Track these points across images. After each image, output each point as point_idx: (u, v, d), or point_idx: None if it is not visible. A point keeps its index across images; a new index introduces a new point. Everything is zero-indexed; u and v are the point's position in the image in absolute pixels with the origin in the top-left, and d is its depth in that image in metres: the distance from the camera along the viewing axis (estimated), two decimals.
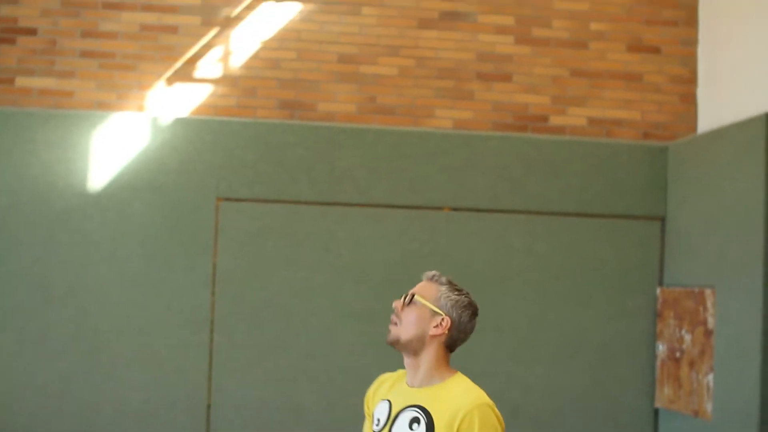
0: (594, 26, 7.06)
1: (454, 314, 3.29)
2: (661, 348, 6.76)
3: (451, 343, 3.33)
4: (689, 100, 7.09)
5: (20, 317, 6.35)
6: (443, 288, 3.32)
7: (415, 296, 3.30)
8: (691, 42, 7.09)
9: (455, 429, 3.17)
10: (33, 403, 6.34)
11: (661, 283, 6.85)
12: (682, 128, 7.06)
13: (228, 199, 6.53)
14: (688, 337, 6.45)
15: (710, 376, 6.19)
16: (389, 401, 3.38)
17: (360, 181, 6.64)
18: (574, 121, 7.00)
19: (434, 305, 3.28)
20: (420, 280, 3.38)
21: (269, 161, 6.58)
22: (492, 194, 6.76)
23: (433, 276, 3.36)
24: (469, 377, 3.30)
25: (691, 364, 6.39)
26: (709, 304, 6.24)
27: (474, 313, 3.35)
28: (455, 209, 6.74)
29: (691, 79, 7.08)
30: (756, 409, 5.81)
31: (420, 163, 6.71)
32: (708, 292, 6.25)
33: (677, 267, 6.73)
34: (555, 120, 6.98)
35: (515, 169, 6.80)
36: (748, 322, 5.92)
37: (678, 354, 6.54)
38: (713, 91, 6.92)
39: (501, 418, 3.23)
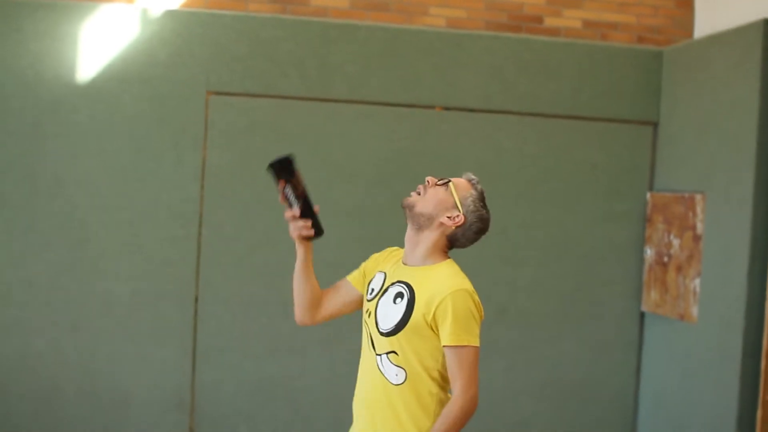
0: None
1: (470, 218, 3.43)
2: (649, 252, 6.77)
3: (453, 241, 3.47)
4: (686, 4, 7.03)
5: (7, 210, 6.31)
6: (474, 193, 3.46)
7: (450, 182, 3.45)
8: None
9: (432, 310, 3.32)
10: (21, 294, 6.33)
11: (651, 188, 6.85)
12: (677, 33, 7.00)
13: (218, 93, 6.46)
14: (676, 242, 6.46)
15: (697, 281, 6.22)
16: (385, 274, 3.50)
17: (351, 77, 6.58)
18: (569, 23, 6.93)
19: (460, 200, 3.42)
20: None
21: (260, 56, 6.50)
22: (484, 94, 6.71)
23: (473, 180, 3.50)
24: None
25: (679, 269, 6.41)
26: (698, 209, 6.24)
27: (483, 230, 3.50)
28: (447, 108, 6.69)
29: None
30: (741, 314, 5.86)
31: (412, 61, 6.64)
32: (698, 197, 6.24)
33: (668, 172, 6.72)
34: (550, 21, 6.92)
35: (508, 69, 6.74)
36: (737, 228, 5.93)
37: (666, 258, 6.56)
38: None
39: (480, 305, 3.36)
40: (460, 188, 3.45)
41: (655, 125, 6.86)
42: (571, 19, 6.93)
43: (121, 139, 6.40)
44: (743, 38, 6.02)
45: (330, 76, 6.56)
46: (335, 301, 3.64)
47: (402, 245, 3.59)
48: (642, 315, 6.88)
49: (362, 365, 3.50)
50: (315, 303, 3.62)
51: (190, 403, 6.46)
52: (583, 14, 6.95)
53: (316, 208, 3.54)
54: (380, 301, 3.42)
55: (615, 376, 6.89)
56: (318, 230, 3.51)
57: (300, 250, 3.58)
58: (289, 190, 3.48)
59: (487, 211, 3.48)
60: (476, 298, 3.35)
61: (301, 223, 3.47)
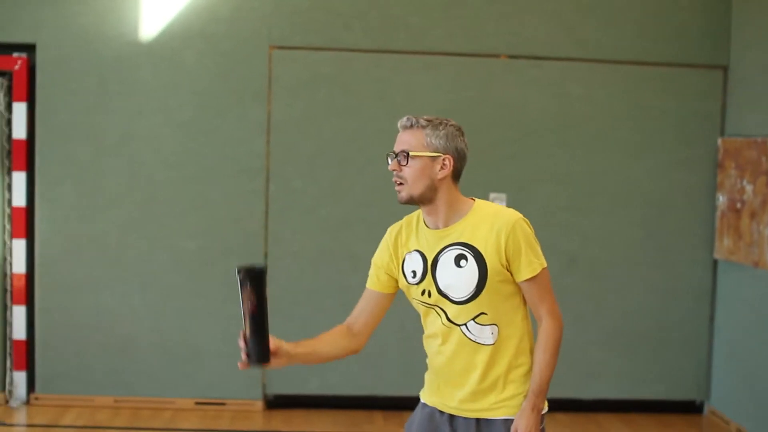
0: None
1: (451, 148, 3.22)
2: (722, 199, 6.64)
3: (457, 174, 3.27)
4: None
5: (74, 168, 6.36)
6: (426, 130, 3.20)
7: (408, 152, 3.20)
8: None
9: (503, 250, 3.18)
10: (90, 251, 6.39)
11: (722, 133, 6.71)
12: None
13: (280, 47, 6.43)
14: (749, 188, 6.33)
15: None
16: (418, 251, 3.31)
17: (414, 28, 6.51)
18: None
19: (429, 151, 3.20)
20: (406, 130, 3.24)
21: (322, 9, 6.45)
22: (549, 42, 6.60)
23: (410, 123, 3.23)
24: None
25: (752, 215, 6.28)
26: None
27: (462, 132, 3.27)
28: (512, 57, 6.60)
29: None
30: None
31: (475, 9, 6.55)
32: None
33: (739, 116, 6.58)
34: None
35: (573, 16, 6.62)
36: None
37: (739, 205, 6.43)
38: None
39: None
40: (416, 142, 3.19)
41: (725, 69, 6.71)
42: None
43: (185, 96, 6.40)
44: None
45: (393, 27, 6.50)
46: (370, 319, 3.41)
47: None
48: (715, 262, 6.76)
49: (440, 349, 3.31)
50: (346, 343, 3.41)
51: None
52: None
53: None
54: (437, 275, 3.23)
55: (687, 325, 6.79)
56: (253, 358, 3.11)
57: (296, 361, 3.35)
58: (242, 303, 3.02)
59: (445, 122, 3.22)
60: (528, 222, 3.26)
61: (241, 345, 3.10)
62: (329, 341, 3.40)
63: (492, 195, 6.44)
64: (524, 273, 3.19)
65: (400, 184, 3.23)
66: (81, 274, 6.40)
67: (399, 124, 3.26)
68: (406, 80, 6.52)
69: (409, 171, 3.20)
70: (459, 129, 3.25)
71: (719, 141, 6.67)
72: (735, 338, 6.56)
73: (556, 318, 3.27)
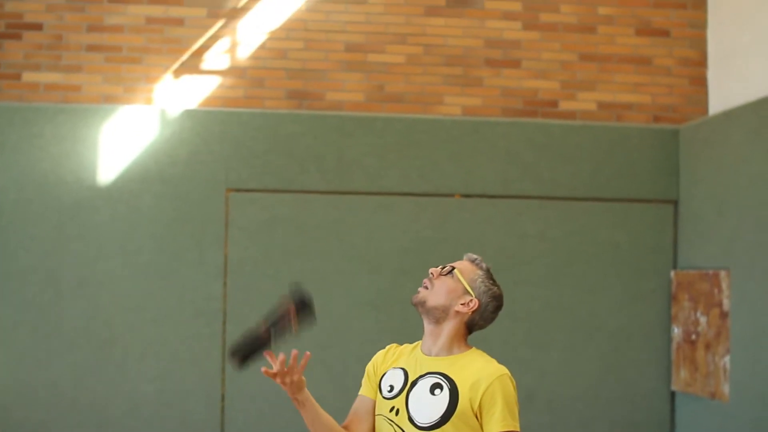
0: (602, 10, 7.01)
1: (483, 299, 3.32)
2: (677, 331, 6.71)
3: (471, 326, 3.35)
4: (699, 82, 7.05)
5: (32, 311, 6.34)
6: (481, 273, 3.35)
7: (455, 269, 3.33)
8: (700, 24, 7.05)
9: (479, 396, 3.20)
10: (46, 396, 6.33)
11: (675, 266, 6.81)
12: (692, 111, 7.01)
13: (237, 190, 6.51)
14: (703, 320, 6.40)
15: (727, 358, 6.15)
16: (403, 369, 3.38)
17: (370, 169, 6.61)
18: (584, 106, 6.97)
19: (469, 285, 3.31)
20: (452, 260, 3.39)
21: (278, 151, 6.55)
22: (503, 180, 6.73)
23: (475, 260, 3.39)
24: None
25: (707, 347, 6.34)
26: (724, 285, 6.19)
27: (499, 307, 3.38)
28: (466, 196, 6.71)
29: (701, 62, 7.04)
30: None
31: (430, 150, 6.68)
32: (723, 273, 6.20)
33: (691, 249, 6.69)
34: (565, 105, 6.95)
35: (526, 154, 6.76)
36: (764, 303, 5.87)
37: (694, 336, 6.50)
38: (723, 72, 6.88)
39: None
40: (466, 272, 3.34)
41: (675, 203, 6.85)
42: (586, 101, 6.96)
43: (143, 239, 6.43)
44: (758, 113, 6.03)
45: (348, 169, 6.60)
46: (364, 422, 3.43)
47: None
48: (673, 394, 6.79)
49: None
50: None
51: None
52: (597, 96, 6.98)
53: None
54: (410, 396, 3.29)
55: None
56: (239, 352, 3.20)
57: (300, 407, 3.36)
58: (275, 312, 3.15)
59: (498, 287, 3.37)
60: (514, 383, 3.30)
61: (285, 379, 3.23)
62: (333, 425, 3.37)
63: None
64: (495, 426, 3.18)
65: (426, 288, 3.32)
66: (36, 419, 6.32)
67: (466, 255, 3.40)
68: (363, 221, 6.60)
69: (440, 283, 3.31)
70: (499, 299, 3.36)
71: (672, 274, 6.76)
72: None
73: None
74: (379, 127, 6.64)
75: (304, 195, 6.55)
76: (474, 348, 3.39)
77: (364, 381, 3.50)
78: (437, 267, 3.38)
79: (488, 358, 3.35)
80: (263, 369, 3.25)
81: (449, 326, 3.33)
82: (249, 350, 3.22)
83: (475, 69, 6.87)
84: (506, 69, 6.91)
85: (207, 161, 6.49)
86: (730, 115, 6.36)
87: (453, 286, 3.31)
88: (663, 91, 7.04)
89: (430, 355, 3.35)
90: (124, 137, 6.43)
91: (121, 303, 6.40)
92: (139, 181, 6.44)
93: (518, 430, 3.22)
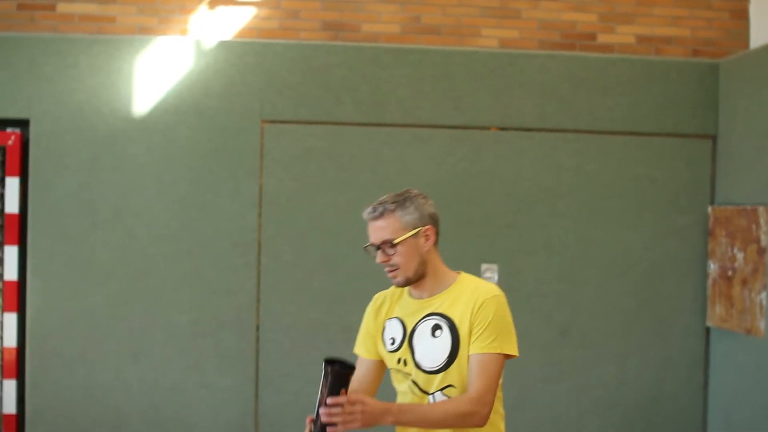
0: None
1: (426, 217, 3.27)
2: (713, 267, 6.66)
3: (436, 239, 3.31)
4: (740, 15, 6.94)
5: (68, 242, 6.37)
6: (397, 212, 3.25)
7: (391, 240, 3.24)
8: None
9: (470, 319, 3.17)
10: (82, 326, 6.38)
11: (712, 202, 6.75)
12: (733, 45, 6.91)
13: (272, 122, 6.48)
14: (740, 256, 6.35)
15: (763, 295, 6.10)
16: (398, 318, 3.34)
17: (405, 101, 6.57)
18: (622, 39, 6.87)
19: (409, 231, 3.24)
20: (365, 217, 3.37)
21: (313, 83, 6.51)
22: (540, 113, 6.67)
23: (377, 211, 3.28)
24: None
25: (744, 283, 6.30)
26: (762, 221, 6.13)
27: (426, 197, 3.32)
28: (502, 129, 6.65)
29: None
30: None
31: (466, 82, 6.61)
32: (761, 209, 6.14)
33: (729, 185, 6.62)
34: (603, 38, 6.86)
35: (563, 87, 6.69)
36: None
37: (730, 273, 6.45)
38: (765, 6, 6.77)
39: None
40: (393, 228, 3.24)
41: (713, 138, 6.77)
42: (624, 34, 6.86)
43: (178, 171, 6.43)
44: None
45: (383, 100, 6.56)
46: (364, 384, 3.44)
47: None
48: (707, 330, 6.77)
49: None
50: None
51: (254, 431, 6.47)
52: (636, 29, 6.88)
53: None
54: (414, 344, 3.26)
55: (682, 393, 6.78)
56: None
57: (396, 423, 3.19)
58: (321, 391, 3.07)
59: (407, 194, 3.29)
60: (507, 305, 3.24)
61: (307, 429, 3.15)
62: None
63: (484, 266, 6.45)
64: (475, 347, 3.15)
65: (393, 270, 3.26)
66: (73, 348, 6.38)
67: (365, 216, 3.30)
68: (398, 153, 6.57)
69: (398, 257, 3.24)
70: (423, 196, 3.31)
71: (709, 209, 6.70)
72: (729, 406, 6.54)
73: (478, 403, 3.11)
74: (414, 59, 6.58)
75: (338, 127, 6.52)
76: (462, 274, 3.32)
77: (358, 342, 3.50)
78: (377, 256, 3.27)
79: (479, 280, 3.31)
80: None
81: (430, 266, 3.29)
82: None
83: (513, 1, 6.78)
84: (544, 1, 6.82)
85: (242, 92, 6.46)
86: None
87: (406, 247, 3.24)
88: (703, 25, 6.93)
89: (422, 299, 3.31)
90: (159, 68, 6.41)
91: (156, 234, 6.42)
92: (174, 113, 6.42)
93: (505, 353, 3.16)
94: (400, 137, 6.57)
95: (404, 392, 3.34)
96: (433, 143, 6.59)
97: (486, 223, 6.57)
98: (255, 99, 6.47)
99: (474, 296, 3.20)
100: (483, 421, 3.12)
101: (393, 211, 3.24)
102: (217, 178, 6.44)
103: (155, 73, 6.40)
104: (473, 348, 3.15)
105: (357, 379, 3.40)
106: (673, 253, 6.76)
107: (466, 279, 3.30)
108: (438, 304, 3.26)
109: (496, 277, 6.34)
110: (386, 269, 3.27)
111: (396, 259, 3.23)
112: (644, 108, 6.74)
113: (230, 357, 6.43)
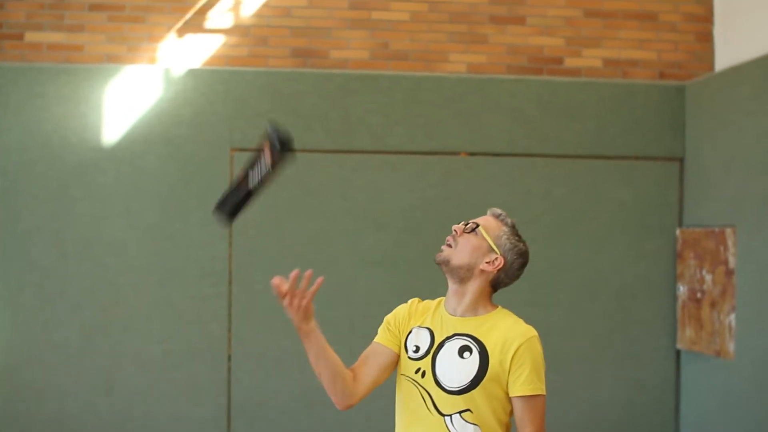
0: None
1: (509, 257, 3.26)
2: (682, 289, 6.71)
3: (496, 284, 3.30)
4: (705, 38, 7.00)
5: (37, 273, 6.34)
6: (506, 229, 3.30)
7: (479, 227, 3.28)
8: None
9: (509, 359, 3.16)
10: (53, 357, 6.34)
11: (680, 224, 6.80)
12: (698, 67, 6.97)
13: (242, 150, 6.47)
14: (708, 278, 6.40)
15: (732, 316, 6.15)
16: (429, 329, 3.32)
17: (375, 127, 6.58)
18: (589, 63, 6.92)
19: (494, 242, 3.26)
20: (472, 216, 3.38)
21: (282, 110, 6.51)
22: (508, 138, 6.70)
23: (500, 215, 3.34)
24: None
25: (713, 305, 6.34)
26: (729, 243, 6.18)
27: (525, 264, 3.32)
28: (472, 154, 6.68)
29: (707, 17, 6.98)
30: None
31: (435, 108, 6.64)
32: (728, 231, 6.19)
33: (697, 207, 6.67)
34: (570, 62, 6.90)
35: (531, 112, 6.73)
36: None
37: (699, 295, 6.50)
38: (730, 28, 6.82)
39: None
40: (491, 228, 3.27)
41: (681, 160, 6.82)
42: (591, 58, 6.91)
43: (148, 200, 6.42)
44: (765, 69, 5.99)
45: (353, 127, 6.57)
46: (373, 369, 3.36)
47: (432, 295, 3.47)
48: (678, 353, 6.81)
49: (415, 429, 3.26)
50: (348, 382, 3.32)
51: None
52: (602, 53, 6.93)
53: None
54: (438, 358, 3.22)
55: (653, 415, 6.81)
56: (225, 208, 3.09)
57: (305, 338, 3.27)
58: (255, 158, 2.95)
59: (524, 243, 3.31)
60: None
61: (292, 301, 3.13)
62: (338, 362, 3.32)
63: None
64: (520, 389, 3.16)
65: (449, 246, 3.28)
66: (43, 380, 6.34)
67: (490, 210, 3.36)
68: (369, 179, 6.58)
69: (464, 241, 3.26)
70: (525, 255, 3.31)
71: (678, 232, 6.75)
72: (701, 428, 6.57)
73: None
74: (383, 85, 6.60)
75: (309, 154, 6.51)
76: (500, 307, 3.32)
77: (381, 329, 3.43)
78: (460, 224, 3.31)
79: (515, 317, 3.29)
80: (275, 279, 3.16)
81: (474, 285, 3.27)
82: (232, 200, 3.10)
83: (480, 26, 6.82)
84: (511, 26, 6.86)
85: (211, 121, 6.46)
86: (737, 72, 6.32)
87: (477, 243, 3.25)
88: (669, 48, 6.99)
89: (456, 315, 3.30)
90: (128, 97, 6.39)
91: (126, 264, 6.39)
92: (143, 142, 6.41)
93: (544, 393, 3.19)
94: (370, 163, 6.58)
95: (412, 402, 3.27)
96: (403, 169, 6.61)
97: None
98: (224, 127, 6.46)
99: (513, 332, 3.20)
100: None
101: (505, 225, 3.31)
102: (187, 207, 6.43)
103: (124, 102, 6.39)
104: (519, 390, 3.16)
105: (366, 357, 3.38)
106: (643, 275, 6.80)
107: (504, 313, 3.30)
108: (471, 327, 3.24)
109: None
110: (447, 239, 3.29)
111: (461, 241, 3.26)
112: (612, 131, 6.79)
113: (202, 387, 6.41)
